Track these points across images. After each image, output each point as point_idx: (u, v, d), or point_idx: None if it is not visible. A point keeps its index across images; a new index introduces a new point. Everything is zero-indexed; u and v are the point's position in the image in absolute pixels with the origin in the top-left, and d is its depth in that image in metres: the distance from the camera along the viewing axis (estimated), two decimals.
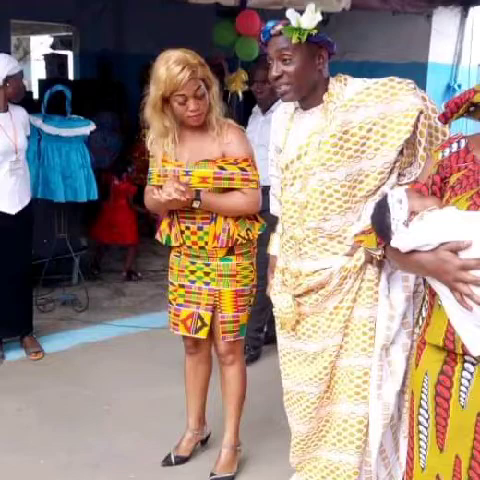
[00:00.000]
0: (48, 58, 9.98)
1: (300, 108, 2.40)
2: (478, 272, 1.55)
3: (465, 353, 1.66)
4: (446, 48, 7.41)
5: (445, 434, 1.73)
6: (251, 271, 2.83)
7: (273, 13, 4.16)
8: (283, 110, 2.49)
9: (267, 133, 2.74)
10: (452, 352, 1.69)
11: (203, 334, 2.83)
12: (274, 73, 2.28)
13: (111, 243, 5.90)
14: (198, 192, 2.64)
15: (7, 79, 3.78)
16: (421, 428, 1.79)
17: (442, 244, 1.59)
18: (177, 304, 2.86)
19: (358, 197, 2.30)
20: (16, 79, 3.84)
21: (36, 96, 8.27)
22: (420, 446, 1.80)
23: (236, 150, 2.69)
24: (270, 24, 2.25)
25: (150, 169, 2.81)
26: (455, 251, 1.57)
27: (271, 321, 3.28)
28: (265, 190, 2.74)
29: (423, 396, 1.78)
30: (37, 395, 3.65)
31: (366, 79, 2.30)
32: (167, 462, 3.05)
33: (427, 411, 1.77)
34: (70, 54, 9.83)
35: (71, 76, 9.71)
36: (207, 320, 2.80)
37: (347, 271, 2.32)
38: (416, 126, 2.23)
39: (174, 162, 2.72)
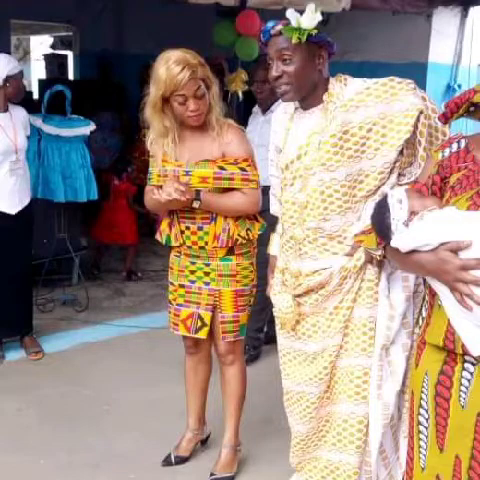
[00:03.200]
0: (48, 58, 9.98)
1: (300, 108, 2.40)
2: (478, 272, 1.55)
3: (465, 353, 1.66)
4: (446, 48, 7.40)
5: (445, 434, 1.73)
6: (251, 271, 2.83)
7: (273, 13, 4.15)
8: (283, 110, 2.49)
9: (267, 133, 2.73)
10: (452, 352, 1.69)
11: (203, 334, 2.83)
12: (274, 73, 2.28)
13: (111, 243, 5.89)
14: (198, 192, 2.64)
15: (7, 79, 3.78)
16: (421, 428, 1.79)
17: (442, 244, 1.59)
18: (177, 304, 2.86)
19: (358, 197, 2.30)
20: (16, 79, 3.84)
21: (36, 96, 8.27)
22: (420, 446, 1.80)
23: (236, 150, 2.69)
24: (270, 24, 2.25)
25: (150, 169, 2.81)
26: (455, 251, 1.57)
27: (271, 321, 3.28)
28: (265, 190, 2.74)
29: (423, 396, 1.78)
30: (37, 395, 3.65)
31: (366, 79, 2.30)
32: (167, 462, 3.05)
33: (427, 411, 1.77)
34: (70, 54, 9.84)
35: (71, 76, 9.72)
36: (207, 320, 2.80)
37: (347, 271, 2.32)
38: (416, 126, 2.23)
39: (174, 162, 2.72)
